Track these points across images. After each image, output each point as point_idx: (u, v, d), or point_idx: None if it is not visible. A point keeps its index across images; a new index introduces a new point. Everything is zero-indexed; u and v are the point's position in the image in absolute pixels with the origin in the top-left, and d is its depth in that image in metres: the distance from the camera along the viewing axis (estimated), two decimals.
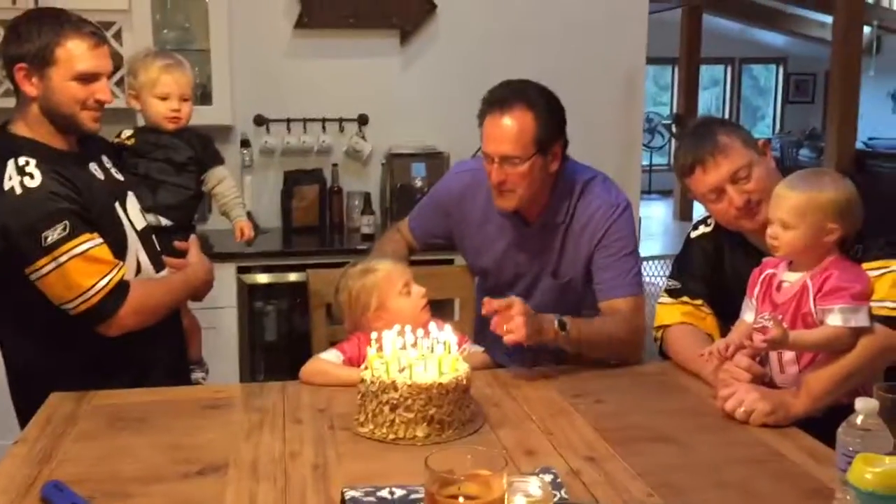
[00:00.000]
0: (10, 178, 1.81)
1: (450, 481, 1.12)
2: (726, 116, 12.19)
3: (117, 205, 2.00)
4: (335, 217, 3.83)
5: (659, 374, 2.00)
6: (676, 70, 10.90)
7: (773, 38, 12.09)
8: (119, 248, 1.93)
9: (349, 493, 1.34)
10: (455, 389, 1.59)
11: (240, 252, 3.24)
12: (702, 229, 2.06)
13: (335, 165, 3.85)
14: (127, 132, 2.31)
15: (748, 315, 1.81)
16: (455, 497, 1.11)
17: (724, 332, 1.93)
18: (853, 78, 7.40)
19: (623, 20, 4.04)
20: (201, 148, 2.34)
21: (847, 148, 7.54)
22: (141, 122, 2.41)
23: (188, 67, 2.32)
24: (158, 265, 2.08)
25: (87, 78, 1.87)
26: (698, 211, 6.61)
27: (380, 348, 1.66)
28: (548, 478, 1.37)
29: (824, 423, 1.51)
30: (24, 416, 1.84)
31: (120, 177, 2.09)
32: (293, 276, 3.38)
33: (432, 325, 1.71)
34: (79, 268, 1.82)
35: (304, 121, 3.82)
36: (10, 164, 1.83)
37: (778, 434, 1.61)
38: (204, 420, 1.71)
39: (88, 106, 1.90)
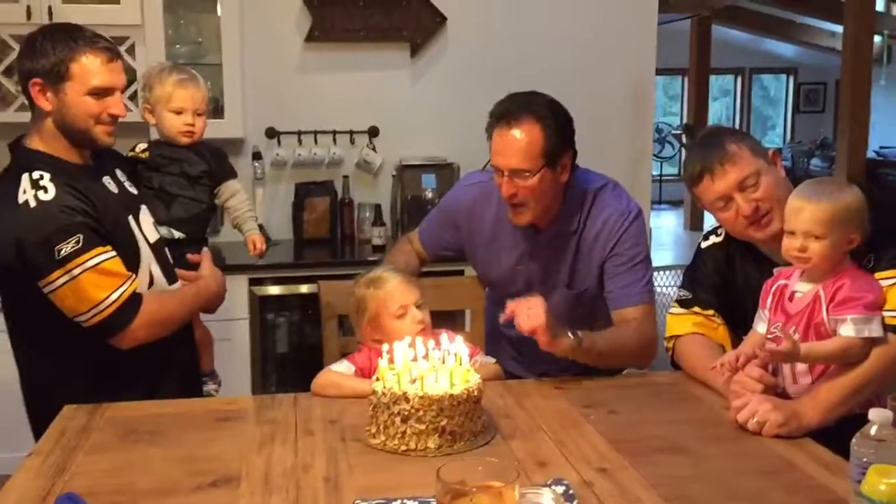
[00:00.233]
0: (25, 192, 1.83)
1: (462, 493, 1.12)
2: (737, 126, 12.16)
3: (131, 218, 2.01)
4: (346, 229, 3.84)
5: (671, 384, 1.99)
6: (686, 80, 10.91)
7: (784, 48, 12.08)
8: (132, 261, 1.94)
9: None
10: (466, 400, 1.59)
11: (252, 264, 3.25)
12: (713, 239, 2.05)
13: (346, 177, 3.87)
14: (141, 146, 2.32)
15: (760, 326, 1.81)
16: None
17: (736, 342, 1.93)
18: (864, 87, 7.38)
19: (633, 30, 4.05)
20: (215, 162, 2.35)
21: (858, 157, 7.51)
22: (155, 136, 2.42)
23: (202, 82, 2.34)
24: (171, 278, 2.09)
25: (101, 93, 1.89)
26: (709, 221, 6.59)
27: (391, 360, 1.66)
28: (560, 489, 1.37)
29: (837, 433, 1.50)
30: (38, 429, 1.85)
31: (134, 190, 2.11)
32: (304, 288, 3.39)
33: (443, 337, 1.71)
34: (92, 280, 1.83)
35: (315, 133, 3.84)
36: (25, 177, 1.84)
37: (791, 445, 1.60)
38: (216, 432, 1.72)
39: (102, 120, 1.91)
